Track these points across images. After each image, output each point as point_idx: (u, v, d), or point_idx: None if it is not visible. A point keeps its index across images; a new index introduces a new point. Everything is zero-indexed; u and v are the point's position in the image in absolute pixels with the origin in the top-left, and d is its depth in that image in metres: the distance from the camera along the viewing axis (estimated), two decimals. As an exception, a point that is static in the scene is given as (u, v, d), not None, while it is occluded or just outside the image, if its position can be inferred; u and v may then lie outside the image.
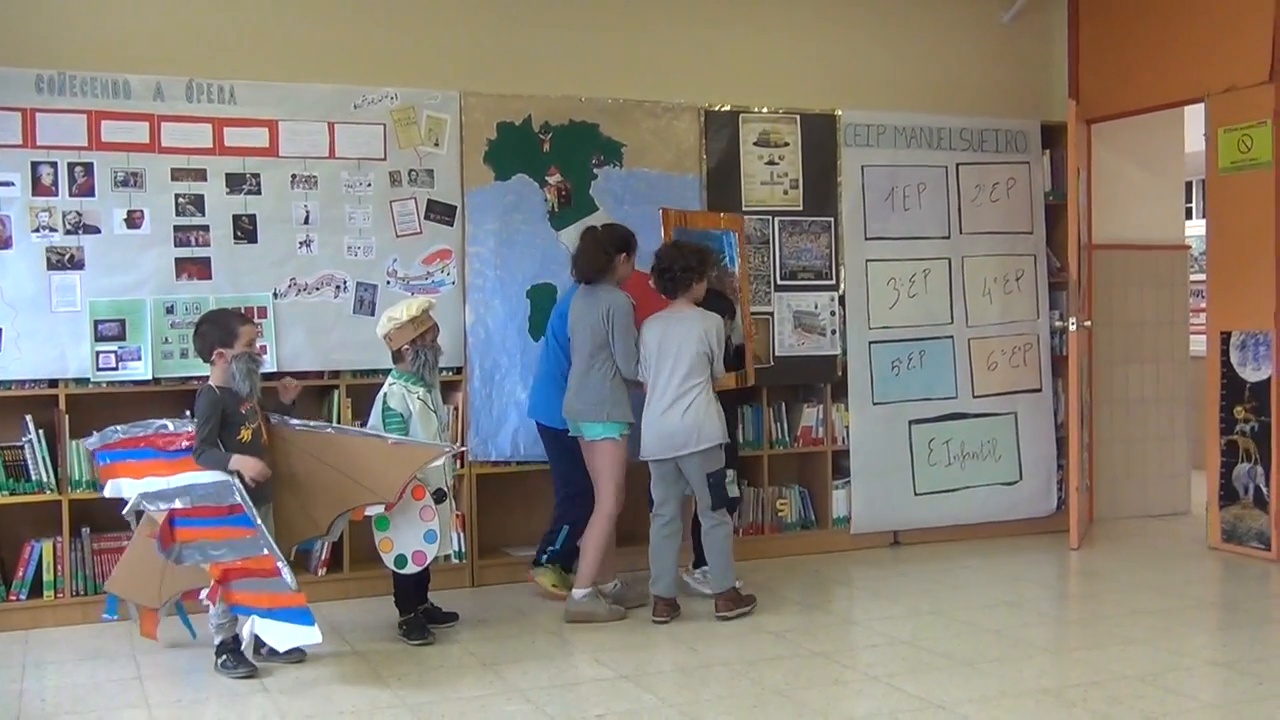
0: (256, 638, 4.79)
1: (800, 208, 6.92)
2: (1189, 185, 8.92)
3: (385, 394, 5.23)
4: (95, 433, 4.96)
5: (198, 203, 5.80)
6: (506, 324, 6.28)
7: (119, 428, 4.91)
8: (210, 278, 5.81)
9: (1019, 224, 7.37)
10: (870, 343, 7.00)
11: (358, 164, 6.07)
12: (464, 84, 6.29)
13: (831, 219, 6.99)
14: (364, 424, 5.41)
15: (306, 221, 5.97)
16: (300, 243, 5.97)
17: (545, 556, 6.01)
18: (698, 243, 5.84)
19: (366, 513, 5.05)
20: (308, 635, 4.68)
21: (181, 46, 5.90)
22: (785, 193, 6.89)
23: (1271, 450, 6.51)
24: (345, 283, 6.04)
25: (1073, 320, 6.98)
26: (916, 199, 7.17)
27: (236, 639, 4.83)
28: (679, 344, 5.48)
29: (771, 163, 6.86)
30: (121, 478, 4.90)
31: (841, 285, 6.99)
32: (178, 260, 5.77)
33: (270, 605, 4.72)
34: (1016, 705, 4.33)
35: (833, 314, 6.97)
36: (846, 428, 6.96)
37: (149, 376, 5.69)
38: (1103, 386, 7.77)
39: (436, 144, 6.21)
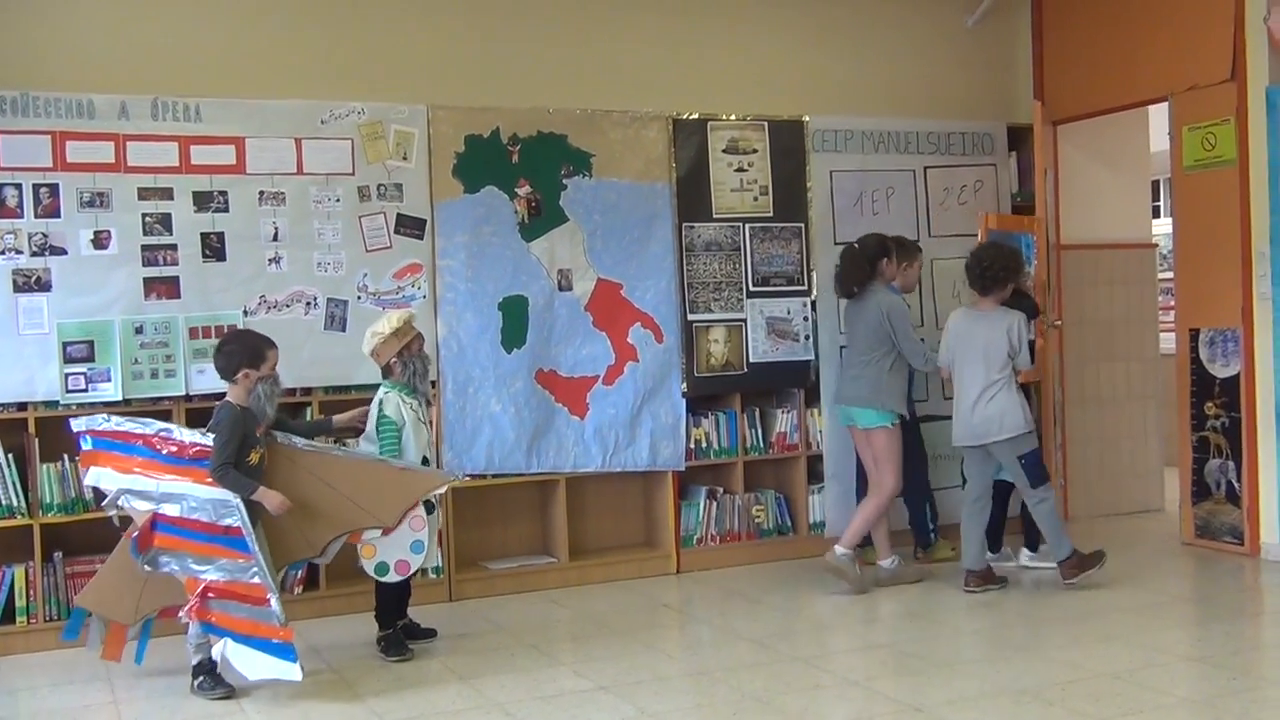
0: (226, 660, 4.75)
1: (770, 214, 6.94)
2: (1155, 184, 8.98)
3: (381, 401, 5.20)
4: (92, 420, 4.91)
5: (165, 222, 5.77)
6: (479, 336, 6.27)
7: (112, 416, 4.89)
8: (179, 297, 5.78)
9: (988, 226, 7.41)
10: (842, 347, 7.00)
11: (326, 179, 6.05)
12: (431, 97, 6.28)
13: (802, 225, 7.01)
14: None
15: (275, 238, 5.95)
16: (269, 260, 5.94)
17: (934, 535, 6.62)
18: (1013, 246, 6.24)
19: (364, 537, 5.04)
20: (286, 671, 4.65)
21: (146, 65, 5.87)
22: (755, 199, 6.91)
23: (1242, 445, 6.56)
24: (315, 299, 6.02)
25: (1051, 321, 7.01)
26: (885, 203, 7.19)
27: (212, 660, 4.79)
28: (986, 340, 5.93)
29: (740, 170, 6.87)
30: (104, 467, 4.83)
31: (813, 290, 7.01)
32: (146, 280, 5.74)
33: (250, 633, 4.68)
34: (995, 705, 4.34)
35: (805, 319, 6.98)
36: (820, 433, 6.97)
37: (119, 398, 5.65)
38: (1074, 385, 7.81)
39: (405, 158, 6.19)
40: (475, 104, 6.34)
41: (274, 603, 4.64)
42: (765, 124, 6.93)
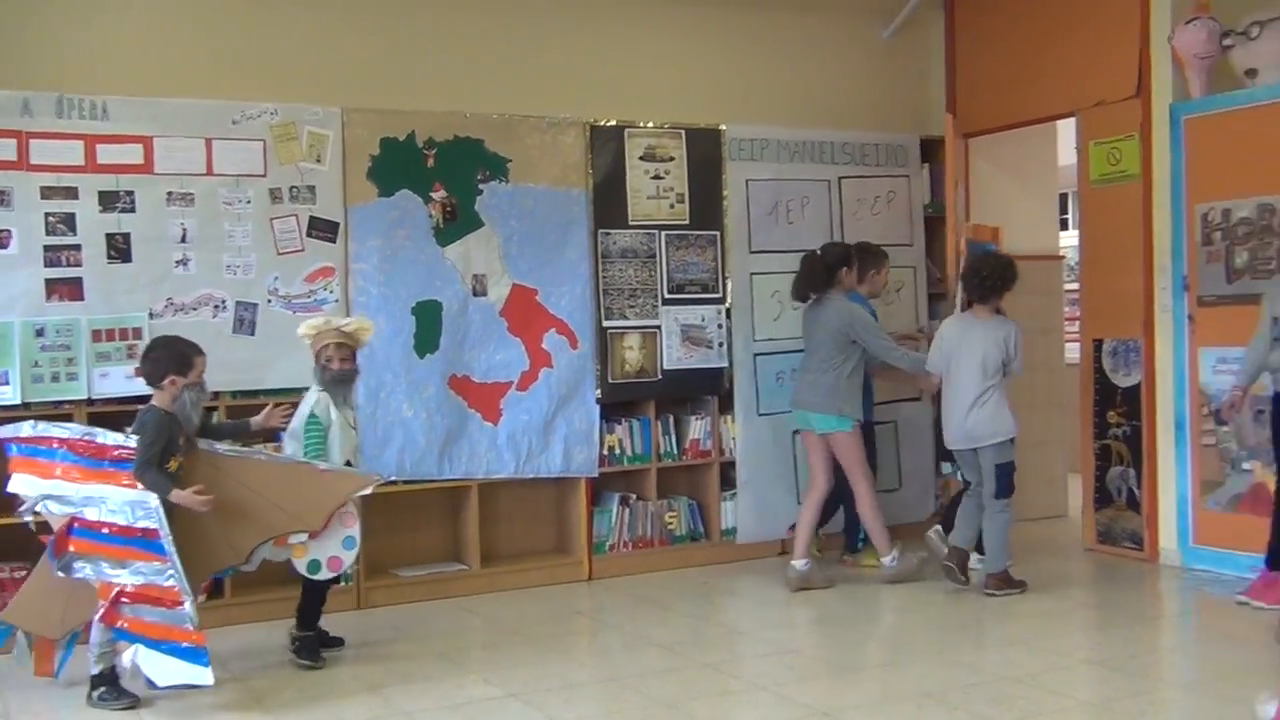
0: (136, 667, 4.66)
1: (686, 222, 6.97)
2: (1063, 197, 9.15)
3: (314, 400, 5.18)
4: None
5: (69, 221, 5.65)
6: (391, 341, 6.21)
7: (39, 422, 4.81)
8: (82, 298, 5.67)
9: (899, 236, 7.49)
10: (755, 354, 7.07)
11: (236, 180, 5.96)
12: (346, 100, 6.22)
13: (717, 233, 7.04)
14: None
15: (183, 240, 5.86)
16: (177, 261, 5.85)
17: (862, 541, 6.65)
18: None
19: (290, 541, 5.00)
20: (198, 676, 4.57)
21: (50, 61, 5.77)
22: (671, 207, 6.93)
23: (1143, 453, 6.71)
24: (224, 302, 5.93)
25: (926, 326, 7.11)
26: (800, 212, 7.25)
27: (115, 670, 4.69)
28: (982, 347, 6.06)
29: (657, 177, 6.89)
30: (26, 474, 4.74)
31: (727, 298, 7.05)
32: (48, 281, 5.62)
33: (162, 637, 4.59)
34: (900, 710, 4.39)
35: (719, 327, 7.02)
36: (734, 439, 7.02)
37: (18, 401, 5.52)
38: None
39: (318, 160, 6.12)
40: (391, 107, 6.30)
41: (188, 606, 4.57)
42: (683, 132, 6.95)
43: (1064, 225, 9.44)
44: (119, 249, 5.74)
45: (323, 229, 6.13)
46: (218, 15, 6.12)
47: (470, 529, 6.44)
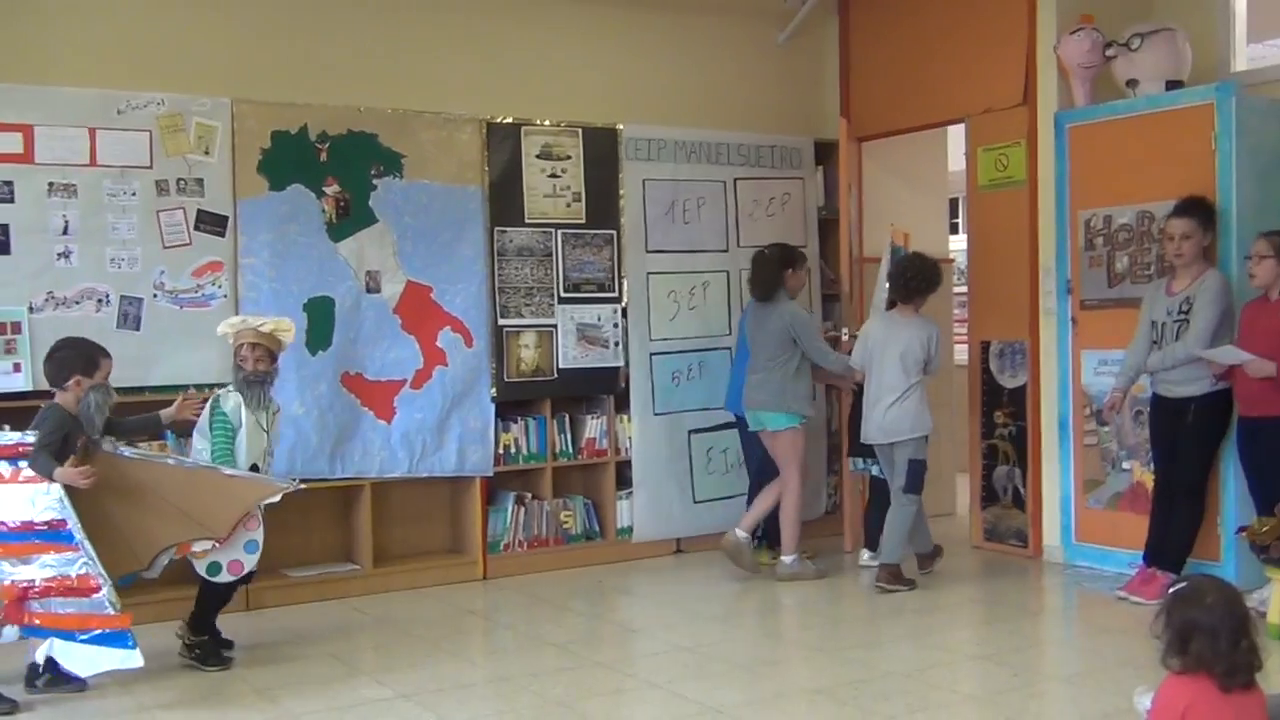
0: (51, 662, 4.56)
1: (583, 220, 6.96)
2: (953, 201, 9.31)
3: (219, 397, 5.11)
4: None
5: (-56, 211, 5.48)
6: (282, 338, 6.12)
7: None
8: (-42, 291, 5.49)
9: (794, 237, 7.52)
10: (651, 354, 7.09)
11: (121, 172, 5.82)
12: (236, 91, 6.11)
13: (614, 232, 7.05)
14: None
15: (65, 232, 5.70)
16: (58, 254, 5.69)
17: (760, 539, 6.67)
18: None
19: (193, 549, 4.91)
20: (125, 659, 4.54)
21: (-75, 45, 5.57)
22: (568, 205, 6.92)
23: (1028, 453, 6.86)
24: (108, 296, 5.79)
25: (845, 330, 7.21)
26: (696, 213, 7.29)
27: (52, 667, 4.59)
28: (904, 346, 6.23)
29: (554, 175, 6.88)
30: None
31: (624, 297, 7.06)
32: (-79, 273, 5.45)
33: (80, 627, 4.51)
34: (791, 706, 4.44)
35: (615, 326, 7.03)
36: (629, 438, 7.03)
37: (-111, 397, 5.33)
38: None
39: (207, 152, 6.01)
40: (283, 99, 6.19)
41: (105, 590, 4.52)
42: (579, 131, 6.95)
43: (954, 229, 9.58)
44: (-4, 240, 5.58)
45: (211, 223, 6.01)
46: (103, 1, 5.95)
47: (363, 529, 6.35)
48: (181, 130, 5.94)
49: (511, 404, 6.76)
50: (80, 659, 4.55)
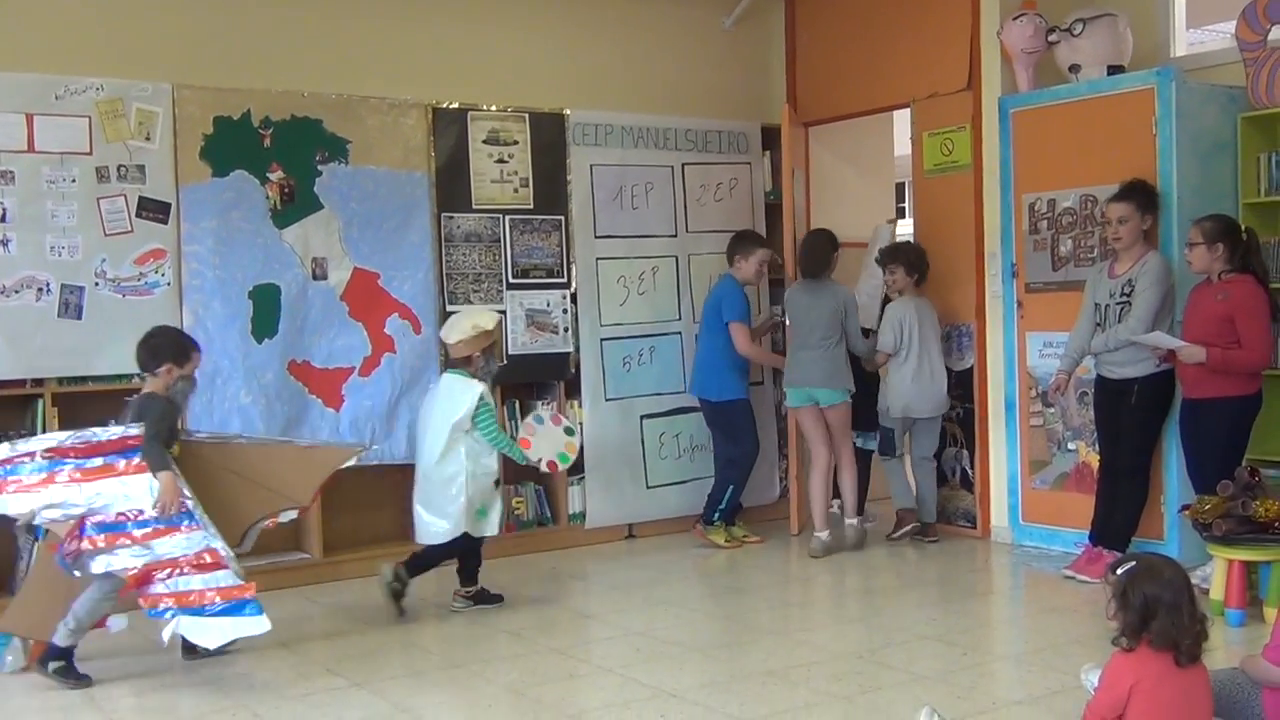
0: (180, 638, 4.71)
1: (531, 206, 6.94)
2: (899, 185, 9.36)
3: (482, 394, 5.52)
4: None
5: (-123, 199, 5.37)
6: (227, 326, 6.05)
7: (14, 442, 4.69)
8: (-107, 280, 5.39)
9: (741, 222, 7.57)
10: (602, 339, 7.09)
11: (60, 158, 5.72)
12: (177, 76, 6.02)
13: (562, 217, 7.04)
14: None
15: (3, 219, 5.60)
16: (-3, 242, 5.60)
17: (716, 516, 6.86)
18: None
19: (280, 519, 5.12)
20: (252, 626, 4.63)
21: None
22: (515, 191, 6.90)
23: (975, 435, 6.92)
24: (49, 284, 5.69)
25: (774, 314, 7.24)
26: (644, 198, 7.29)
27: (72, 650, 4.69)
28: (933, 327, 6.83)
29: (501, 161, 6.84)
30: (10, 495, 4.61)
31: (573, 283, 7.05)
32: None
33: (206, 603, 4.60)
34: (745, 689, 4.46)
35: (565, 311, 7.02)
36: (580, 424, 7.02)
37: None
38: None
39: (148, 138, 5.92)
40: (225, 84, 6.12)
41: (230, 563, 4.64)
42: (526, 115, 6.92)
43: (900, 213, 9.66)
44: (-68, 228, 5.48)
45: (153, 210, 5.93)
46: (40, -15, 5.86)
47: (312, 516, 6.25)
48: (122, 116, 5.86)
49: (461, 391, 6.72)
50: (210, 631, 4.62)
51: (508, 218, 6.87)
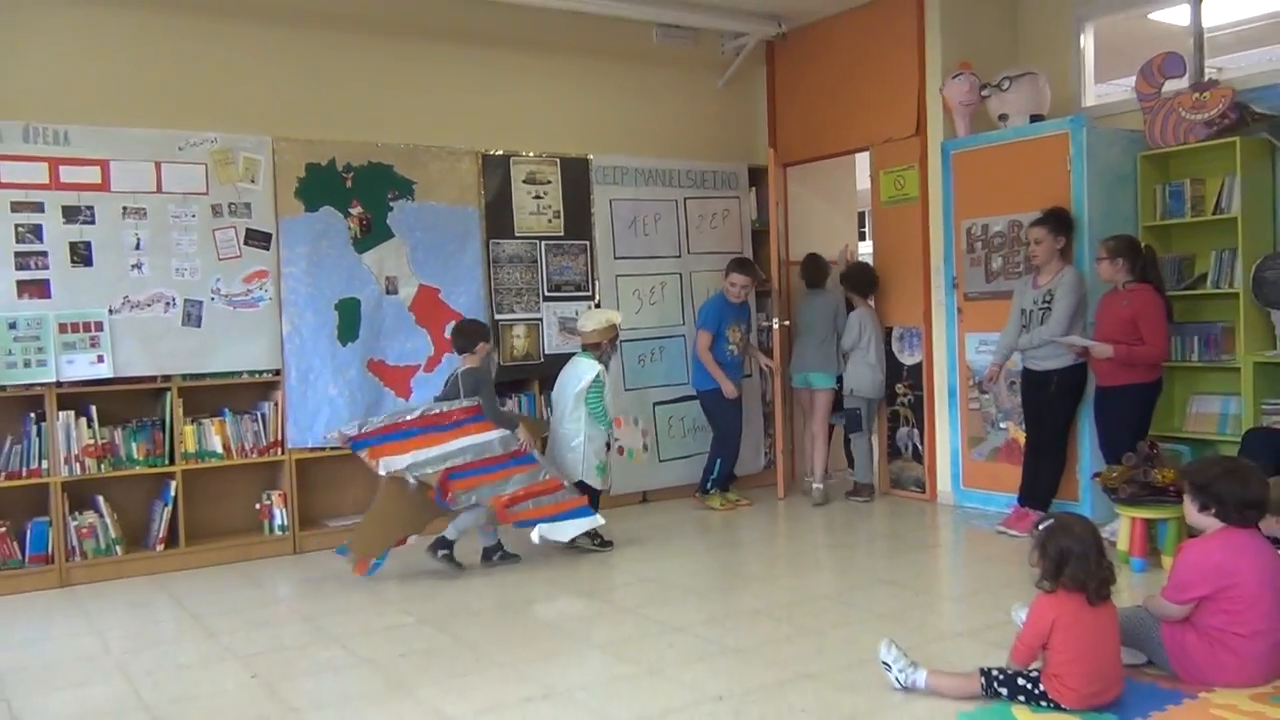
0: (542, 538, 5.26)
1: (562, 233, 6.92)
2: (861, 214, 9.31)
3: (599, 373, 5.76)
4: (346, 428, 5.26)
5: (36, 231, 5.38)
6: (318, 332, 6.05)
7: (372, 419, 5.30)
8: (49, 296, 5.40)
9: (732, 245, 7.55)
10: (621, 341, 7.04)
11: (183, 198, 5.74)
12: (276, 130, 6.04)
13: (587, 242, 7.01)
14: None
15: (138, 247, 5.62)
16: (132, 265, 5.61)
17: (710, 485, 6.83)
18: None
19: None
20: (591, 522, 5.42)
21: (18, 94, 5.46)
22: (549, 221, 6.88)
23: (924, 416, 6.89)
24: (174, 300, 5.71)
25: (775, 320, 7.22)
26: (654, 226, 7.26)
27: (500, 544, 5.45)
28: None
29: (538, 197, 6.83)
30: (386, 457, 5.12)
31: (597, 295, 7.03)
32: (18, 282, 5.34)
33: (555, 512, 5.28)
34: (738, 623, 4.45)
35: (590, 319, 6.99)
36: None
37: (-4, 384, 5.24)
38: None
39: (253, 181, 5.93)
40: (314, 137, 6.13)
41: (566, 484, 5.39)
42: (558, 160, 6.90)
43: (862, 237, 9.61)
44: (81, 255, 5.49)
45: (257, 239, 5.94)
46: (165, 56, 5.86)
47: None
48: (231, 163, 5.88)
49: (507, 382, 6.72)
50: (561, 531, 5.31)
51: (543, 243, 6.86)
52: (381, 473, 5.13)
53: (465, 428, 5.27)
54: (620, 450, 5.94)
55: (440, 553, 5.30)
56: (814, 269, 7.22)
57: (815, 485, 6.96)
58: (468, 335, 5.52)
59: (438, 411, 5.30)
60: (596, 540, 5.77)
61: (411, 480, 5.11)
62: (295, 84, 6.24)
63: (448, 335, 5.84)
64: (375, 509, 5.27)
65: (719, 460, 6.87)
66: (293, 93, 6.23)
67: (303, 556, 5.97)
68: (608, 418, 5.87)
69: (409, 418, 5.25)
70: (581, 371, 5.84)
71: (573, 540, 5.59)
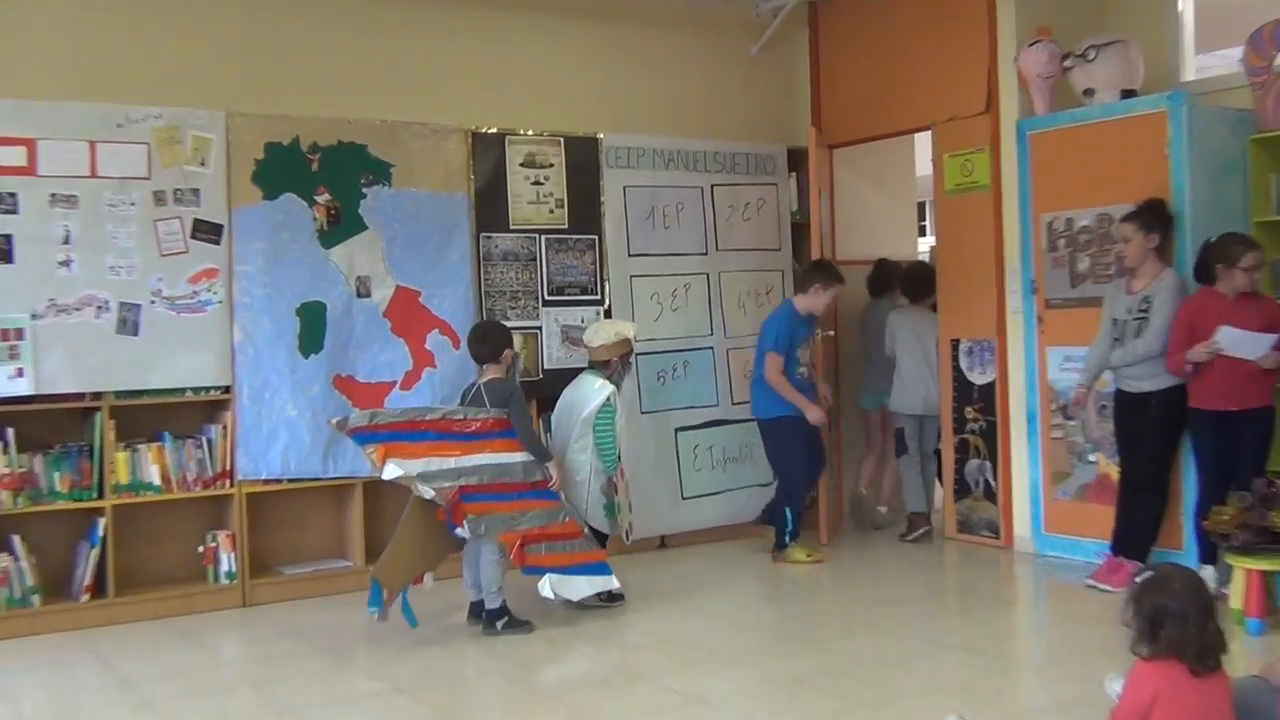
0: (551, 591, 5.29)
1: (566, 226, 6.90)
2: (920, 205, 9.29)
3: (610, 395, 5.73)
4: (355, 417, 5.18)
5: (-54, 222, 5.39)
6: (275, 342, 6.03)
7: (385, 411, 5.27)
8: (-38, 298, 5.41)
9: (768, 241, 7.53)
10: (637, 355, 7.00)
11: (120, 183, 5.73)
12: (230, 104, 6.02)
13: (595, 237, 6.99)
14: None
15: (66, 241, 5.60)
16: (60, 263, 5.59)
17: (789, 538, 6.65)
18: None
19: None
20: (606, 583, 5.47)
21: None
22: (551, 211, 6.86)
23: (998, 447, 6.83)
24: (108, 303, 5.69)
25: (819, 331, 7.18)
26: (675, 218, 7.23)
27: (506, 607, 5.28)
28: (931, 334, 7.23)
29: (537, 183, 6.81)
30: (397, 458, 5.08)
31: (606, 300, 7.00)
32: (-74, 281, 5.36)
33: (569, 563, 5.32)
34: (773, 695, 4.39)
35: (598, 328, 6.95)
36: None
37: (-105, 401, 5.23)
38: (848, 391, 7.98)
39: (202, 163, 5.92)
40: (275, 111, 6.11)
41: (587, 532, 5.43)
42: (561, 140, 6.88)
43: (922, 231, 9.58)
44: (0, 250, 5.48)
45: (206, 231, 5.92)
46: (102, 19, 5.86)
47: (354, 526, 6.27)
48: (178, 142, 5.86)
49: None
50: (571, 586, 5.35)
51: (544, 237, 6.83)
52: (386, 476, 5.09)
53: (489, 442, 5.25)
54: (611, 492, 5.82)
55: (500, 624, 5.25)
56: (885, 276, 7.45)
57: (880, 508, 7.45)
58: (492, 341, 5.49)
59: (461, 417, 5.28)
60: (604, 595, 5.65)
61: (426, 491, 5.09)
62: (254, 50, 6.22)
63: (467, 342, 5.76)
64: (401, 536, 5.28)
65: (788, 509, 6.69)
66: (251, 60, 6.21)
67: (254, 610, 5.92)
68: (615, 454, 5.76)
69: (428, 417, 5.22)
70: (589, 393, 5.81)
71: (610, 594, 5.59)
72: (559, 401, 6.02)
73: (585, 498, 5.72)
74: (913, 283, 7.35)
